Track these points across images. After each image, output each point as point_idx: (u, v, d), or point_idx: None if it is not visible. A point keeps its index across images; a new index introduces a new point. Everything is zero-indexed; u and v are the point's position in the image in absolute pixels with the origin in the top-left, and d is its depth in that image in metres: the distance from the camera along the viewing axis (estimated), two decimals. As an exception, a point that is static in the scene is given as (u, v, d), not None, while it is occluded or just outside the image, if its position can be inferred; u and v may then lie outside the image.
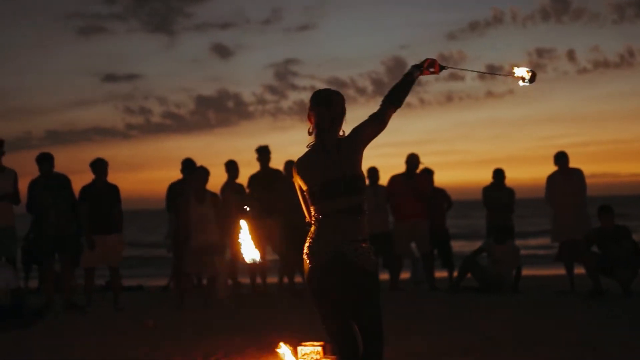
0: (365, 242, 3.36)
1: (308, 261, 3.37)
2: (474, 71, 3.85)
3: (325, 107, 3.39)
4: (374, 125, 3.39)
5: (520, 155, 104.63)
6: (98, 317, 7.80)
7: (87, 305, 8.21)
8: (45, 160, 8.24)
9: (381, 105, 3.41)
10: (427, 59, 3.51)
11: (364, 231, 3.38)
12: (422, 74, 3.52)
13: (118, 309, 8.24)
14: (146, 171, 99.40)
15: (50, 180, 8.25)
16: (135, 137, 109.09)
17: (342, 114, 3.44)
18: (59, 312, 7.97)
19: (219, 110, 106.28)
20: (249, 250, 3.52)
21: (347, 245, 3.30)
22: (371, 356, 3.38)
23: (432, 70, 3.54)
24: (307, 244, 3.38)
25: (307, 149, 3.47)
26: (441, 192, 10.27)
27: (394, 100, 3.42)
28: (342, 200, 3.32)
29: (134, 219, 40.14)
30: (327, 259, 3.31)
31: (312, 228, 3.40)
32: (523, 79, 3.63)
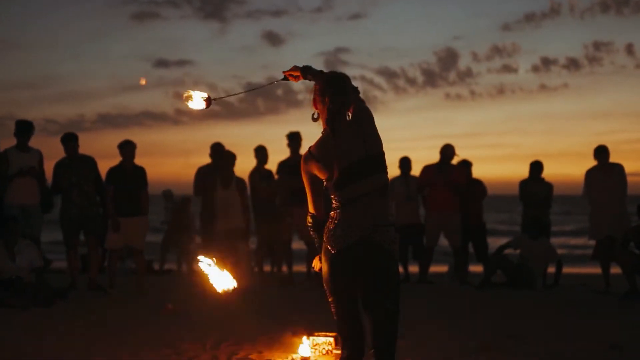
0: (392, 225, 3.27)
1: (329, 247, 3.23)
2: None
3: (342, 92, 3.32)
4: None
5: (574, 151, 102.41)
6: (120, 298, 7.82)
7: (110, 287, 8.23)
8: (69, 141, 8.26)
9: (355, 95, 3.45)
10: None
11: (390, 213, 3.30)
12: None
13: (141, 291, 8.25)
14: (195, 157, 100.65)
15: (75, 161, 8.28)
16: (185, 123, 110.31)
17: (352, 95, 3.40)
18: (82, 293, 8.01)
19: (268, 98, 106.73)
20: (220, 281, 3.65)
21: (376, 229, 3.20)
22: (384, 353, 3.23)
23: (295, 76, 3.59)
24: (328, 229, 3.25)
25: (321, 135, 3.35)
26: (478, 183, 9.99)
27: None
28: (370, 181, 3.22)
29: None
30: (353, 243, 3.18)
31: (334, 213, 3.26)
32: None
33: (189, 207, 13.13)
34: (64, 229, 8.31)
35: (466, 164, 9.94)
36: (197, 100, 3.60)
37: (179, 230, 12.33)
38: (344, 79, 3.37)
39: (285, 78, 3.60)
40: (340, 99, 3.29)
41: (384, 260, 3.20)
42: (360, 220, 3.19)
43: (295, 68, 3.55)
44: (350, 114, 3.35)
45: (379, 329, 3.23)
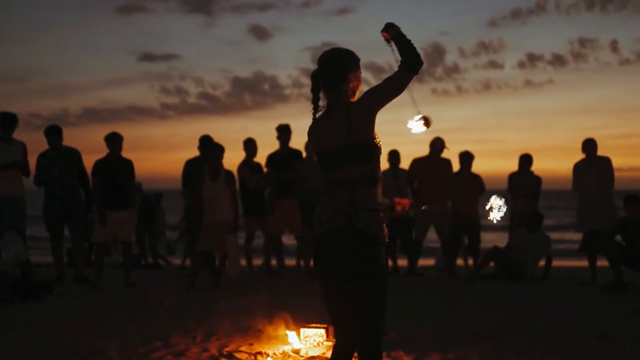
0: (378, 211, 3.12)
1: (315, 231, 3.17)
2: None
3: (326, 67, 3.19)
4: (388, 89, 3.15)
5: (558, 146, 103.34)
6: (107, 292, 7.76)
7: (98, 280, 8.15)
8: (52, 134, 8.15)
9: (397, 71, 3.18)
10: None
11: (378, 200, 3.13)
12: None
13: (128, 285, 8.18)
14: (181, 151, 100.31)
15: (59, 153, 8.17)
16: (171, 118, 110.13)
17: (346, 74, 3.19)
18: (69, 286, 7.93)
19: (255, 93, 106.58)
20: None
21: (359, 215, 3.07)
22: (367, 348, 3.14)
23: None
24: (316, 213, 3.18)
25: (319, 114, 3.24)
26: (477, 178, 9.96)
27: (407, 65, 3.18)
28: (353, 169, 3.09)
29: (168, 198, 40.41)
30: (335, 228, 3.09)
31: (324, 197, 3.18)
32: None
33: (160, 202, 13.13)
34: (48, 223, 8.21)
35: (468, 156, 9.91)
36: (418, 126, 3.31)
37: (145, 223, 12.31)
38: (332, 59, 3.21)
39: (387, 39, 3.26)
40: (319, 80, 3.18)
41: (368, 247, 3.09)
42: (343, 207, 3.09)
43: (385, 27, 3.26)
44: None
45: (364, 319, 3.13)
